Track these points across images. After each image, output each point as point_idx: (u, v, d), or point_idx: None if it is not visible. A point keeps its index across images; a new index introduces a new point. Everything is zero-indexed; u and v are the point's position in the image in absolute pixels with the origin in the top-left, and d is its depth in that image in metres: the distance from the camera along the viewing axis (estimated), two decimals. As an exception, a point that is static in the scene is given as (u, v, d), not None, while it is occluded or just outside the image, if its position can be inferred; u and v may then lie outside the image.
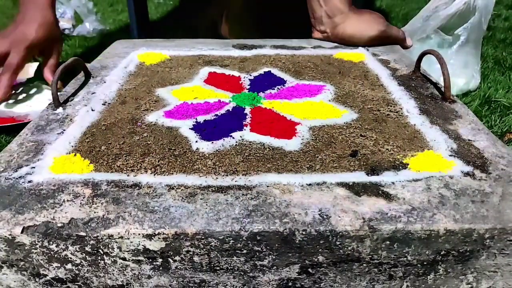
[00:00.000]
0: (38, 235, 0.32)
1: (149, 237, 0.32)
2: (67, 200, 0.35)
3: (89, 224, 0.33)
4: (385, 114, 0.49)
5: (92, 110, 0.50)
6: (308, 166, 0.39)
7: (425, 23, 0.85)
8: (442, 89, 0.53)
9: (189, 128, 0.46)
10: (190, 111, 0.50)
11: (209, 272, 0.34)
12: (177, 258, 0.33)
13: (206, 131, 0.45)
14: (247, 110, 0.50)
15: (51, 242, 0.32)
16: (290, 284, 0.35)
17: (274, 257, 0.33)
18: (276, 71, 0.62)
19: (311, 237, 0.32)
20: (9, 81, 0.69)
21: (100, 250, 0.33)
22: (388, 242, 0.33)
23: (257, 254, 0.33)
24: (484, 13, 0.84)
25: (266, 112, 0.50)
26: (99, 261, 0.33)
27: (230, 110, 0.50)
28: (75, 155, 0.41)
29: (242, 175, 0.38)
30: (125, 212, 0.34)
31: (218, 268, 0.34)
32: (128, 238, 0.32)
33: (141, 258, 0.33)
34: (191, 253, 0.33)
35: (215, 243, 0.32)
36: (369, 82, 0.58)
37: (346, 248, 0.33)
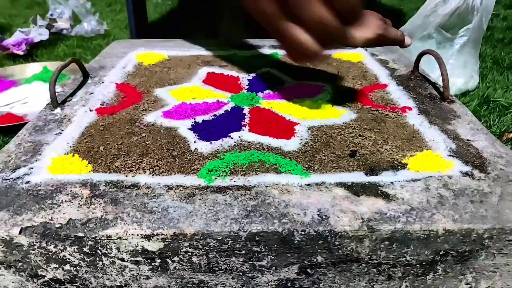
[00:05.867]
0: (36, 236, 0.32)
1: (148, 237, 0.32)
2: (65, 201, 0.35)
3: (87, 224, 0.33)
4: (384, 114, 0.49)
5: (90, 110, 0.50)
6: (307, 166, 0.39)
7: (425, 20, 0.85)
8: (441, 89, 0.53)
9: (188, 129, 0.46)
10: (189, 111, 0.49)
11: (207, 272, 0.34)
12: (175, 258, 0.33)
13: (205, 131, 0.45)
14: (246, 110, 0.50)
15: (49, 243, 0.32)
16: (289, 284, 0.34)
17: (273, 257, 0.33)
18: (275, 71, 0.62)
19: (310, 238, 0.32)
20: None
21: (99, 251, 0.33)
22: (387, 242, 0.33)
23: (256, 254, 0.33)
24: (485, 13, 0.84)
25: (264, 112, 0.50)
26: (97, 262, 0.33)
27: (229, 110, 0.50)
28: (73, 155, 0.41)
29: (241, 175, 0.38)
30: (123, 213, 0.34)
31: (216, 268, 0.33)
32: (127, 239, 0.32)
33: (139, 258, 0.33)
34: (189, 253, 0.33)
35: (213, 243, 0.32)
36: (368, 82, 0.58)
37: (345, 248, 0.33)
